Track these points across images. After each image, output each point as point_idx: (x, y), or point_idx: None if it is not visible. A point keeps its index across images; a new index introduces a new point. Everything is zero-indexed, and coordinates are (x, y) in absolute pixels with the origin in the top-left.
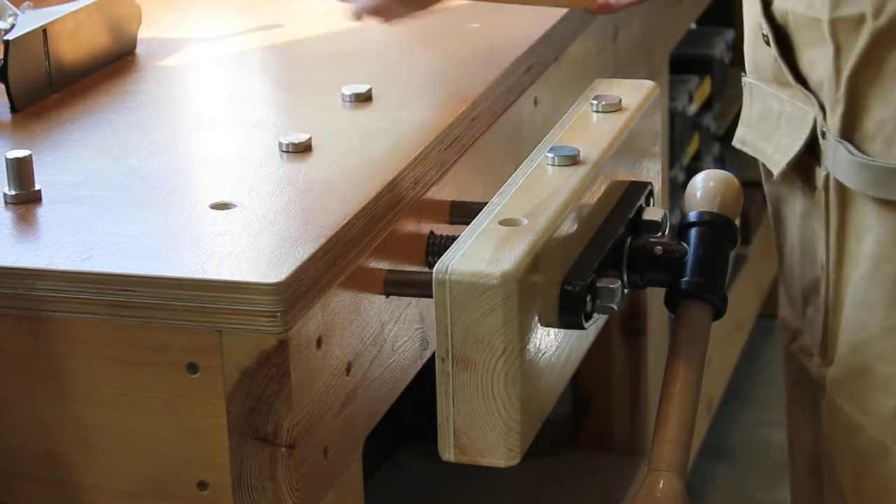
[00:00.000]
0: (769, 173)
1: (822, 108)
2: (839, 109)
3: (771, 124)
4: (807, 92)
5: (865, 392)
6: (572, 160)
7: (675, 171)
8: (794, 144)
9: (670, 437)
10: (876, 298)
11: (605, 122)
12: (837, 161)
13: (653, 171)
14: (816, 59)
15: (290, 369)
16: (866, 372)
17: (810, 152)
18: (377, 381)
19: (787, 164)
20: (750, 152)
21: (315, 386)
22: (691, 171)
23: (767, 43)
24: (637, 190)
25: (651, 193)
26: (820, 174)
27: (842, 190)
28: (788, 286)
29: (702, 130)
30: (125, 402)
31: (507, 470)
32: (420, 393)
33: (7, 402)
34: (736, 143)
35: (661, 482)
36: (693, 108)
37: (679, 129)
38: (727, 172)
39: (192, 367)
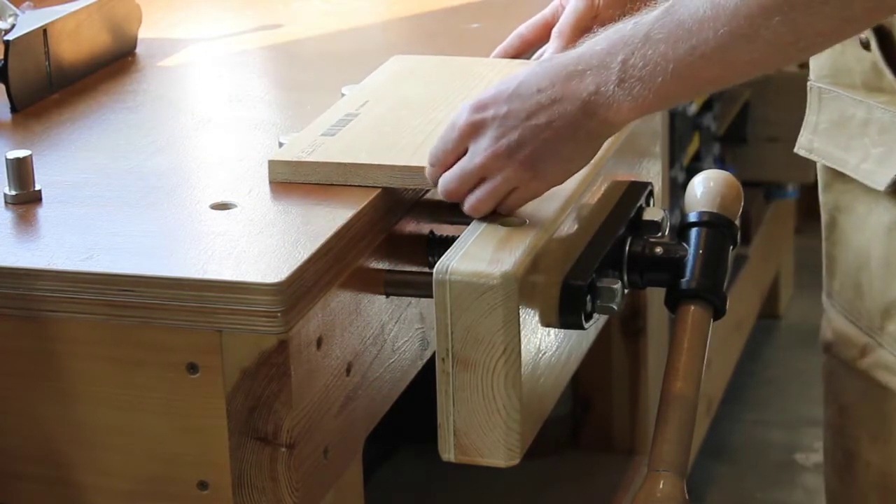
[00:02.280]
0: (831, 180)
1: None
2: None
3: (852, 132)
4: None
5: None
6: None
7: (675, 171)
8: (894, 155)
9: (670, 438)
10: None
11: None
12: None
13: (653, 171)
14: None
15: (290, 369)
16: None
17: None
18: (377, 381)
19: None
20: (818, 160)
21: (315, 386)
22: (691, 171)
23: (865, 47)
24: (637, 190)
25: (651, 193)
26: None
27: None
28: (852, 300)
29: (702, 130)
30: (125, 402)
31: (507, 470)
32: (420, 393)
33: (7, 402)
34: (799, 150)
35: (662, 482)
36: (693, 108)
37: (679, 129)
38: (727, 173)
39: (192, 367)
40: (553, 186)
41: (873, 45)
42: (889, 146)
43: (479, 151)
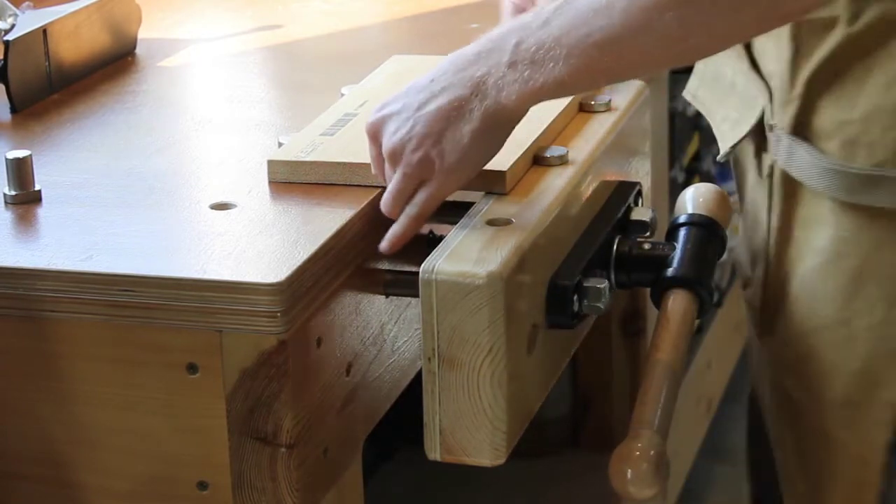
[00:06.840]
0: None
1: (771, 99)
2: (792, 108)
3: (724, 89)
4: (759, 78)
5: (811, 376)
6: (561, 160)
7: (675, 171)
8: (741, 124)
9: (650, 400)
10: (830, 291)
11: (595, 121)
12: (793, 159)
13: (642, 171)
14: (769, 52)
15: (289, 369)
16: (813, 358)
17: (759, 133)
18: (377, 381)
19: (732, 147)
20: (699, 108)
21: (315, 386)
22: (691, 171)
23: None
24: (625, 190)
25: (640, 193)
26: (765, 160)
27: (789, 182)
28: (746, 237)
29: (702, 130)
30: (125, 402)
31: (508, 470)
32: (420, 393)
33: (7, 402)
34: (686, 94)
35: (640, 441)
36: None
37: (679, 129)
38: (714, 185)
39: (192, 368)
40: (463, 179)
41: None
42: (741, 114)
43: (382, 152)
